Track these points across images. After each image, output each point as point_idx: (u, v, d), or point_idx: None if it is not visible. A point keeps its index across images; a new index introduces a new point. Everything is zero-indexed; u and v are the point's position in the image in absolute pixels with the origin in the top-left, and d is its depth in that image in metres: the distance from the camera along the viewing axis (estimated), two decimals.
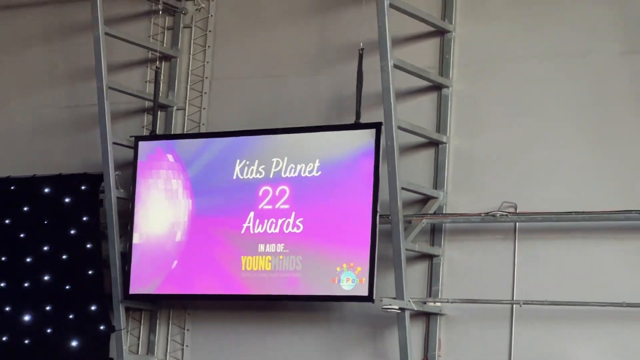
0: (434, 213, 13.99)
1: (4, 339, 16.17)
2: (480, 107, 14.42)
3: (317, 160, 14.13)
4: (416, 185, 14.06)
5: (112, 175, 15.12)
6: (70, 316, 15.62)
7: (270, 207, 14.38)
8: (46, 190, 16.12)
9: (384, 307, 13.09)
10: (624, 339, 13.04)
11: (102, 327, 15.21)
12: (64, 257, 15.80)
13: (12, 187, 16.71)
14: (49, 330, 15.83)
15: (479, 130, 14.37)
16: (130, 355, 15.84)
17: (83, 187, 15.81)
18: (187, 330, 15.92)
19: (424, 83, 14.50)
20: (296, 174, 14.22)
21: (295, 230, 14.18)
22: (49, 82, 17.99)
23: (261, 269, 14.48)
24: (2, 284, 16.58)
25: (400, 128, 13.35)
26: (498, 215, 13.26)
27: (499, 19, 14.46)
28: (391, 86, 13.23)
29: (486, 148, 14.28)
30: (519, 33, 14.14)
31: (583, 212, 12.96)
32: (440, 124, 14.35)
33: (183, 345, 16.08)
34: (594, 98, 13.82)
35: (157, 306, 16.24)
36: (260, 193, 14.41)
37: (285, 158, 14.27)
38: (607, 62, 13.64)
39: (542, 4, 14.15)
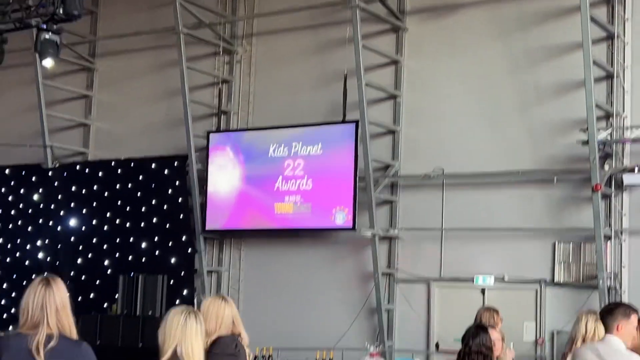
0: (392, 175, 15.91)
1: (129, 258, 18.16)
2: (420, 109, 16.08)
3: (320, 144, 16.21)
4: (382, 158, 16.03)
5: (193, 156, 17.13)
6: (170, 244, 17.53)
7: (291, 173, 16.43)
8: (153, 165, 18.15)
9: (362, 234, 15.34)
10: (513, 253, 14.92)
11: (189, 250, 17.18)
12: (165, 206, 17.61)
13: (132, 164, 18.57)
14: (157, 252, 17.59)
15: (419, 123, 16.07)
16: (207, 267, 17.48)
17: (176, 163, 17.83)
18: (242, 250, 17.71)
19: (385, 94, 16.25)
20: (307, 153, 16.29)
21: (307, 187, 16.26)
22: (161, 99, 19.04)
23: (287, 212, 16.58)
24: (129, 223, 18.11)
25: (370, 123, 15.37)
26: (432, 175, 15.23)
27: (434, 57, 16.05)
28: (364, 98, 15.10)
29: (424, 134, 15.99)
30: (444, 63, 15.74)
31: (485, 173, 14.93)
32: (395, 120, 16.18)
33: (240, 260, 17.73)
34: (490, 96, 15.48)
35: (222, 236, 18.17)
36: (285, 165, 16.67)
37: (300, 142, 16.38)
38: (497, 74, 15.21)
39: (460, 44, 15.69)
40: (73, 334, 4.81)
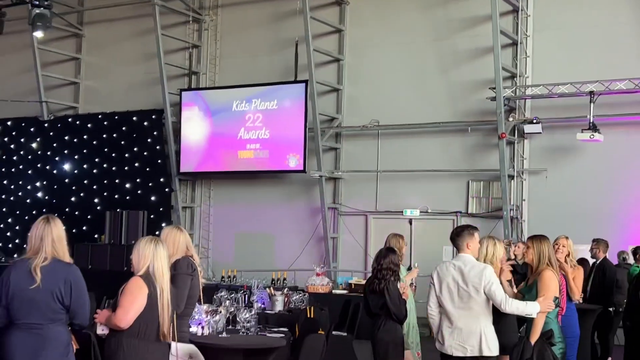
0: (336, 126, 16.12)
1: (115, 196, 18.23)
2: (359, 71, 16.28)
3: (275, 100, 16.44)
4: (327, 111, 16.14)
5: (168, 110, 17.12)
6: (150, 184, 17.65)
7: (252, 125, 16.62)
8: (134, 118, 18.11)
9: (311, 175, 15.57)
10: (435, 190, 15.23)
11: (166, 189, 17.38)
12: (145, 153, 17.69)
13: (116, 117, 18.46)
14: (139, 192, 17.82)
15: (359, 83, 16.23)
16: (182, 204, 17.68)
17: (154, 116, 17.79)
18: (212, 189, 17.90)
19: (330, 58, 16.31)
20: (265, 108, 16.47)
21: (265, 137, 16.47)
22: (140, 61, 18.89)
23: (248, 157, 16.66)
24: (114, 167, 18.29)
25: (317, 82, 15.50)
26: (369, 126, 15.41)
27: (371, 26, 16.04)
28: (312, 61, 15.23)
29: (363, 92, 16.22)
30: (379, 32, 15.75)
31: (412, 124, 15.23)
32: (339, 80, 16.36)
33: (209, 197, 17.81)
34: (416, 60, 15.62)
35: (194, 177, 18.24)
36: (246, 118, 16.84)
37: (259, 99, 16.57)
38: (422, 42, 15.25)
39: (393, 16, 15.71)
40: (66, 259, 5.16)
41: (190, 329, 7.02)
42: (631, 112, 13.70)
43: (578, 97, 13.82)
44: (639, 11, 14.10)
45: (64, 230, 5.33)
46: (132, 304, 5.18)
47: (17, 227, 19.38)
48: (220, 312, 7.57)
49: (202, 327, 7.14)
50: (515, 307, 5.79)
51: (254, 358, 6.34)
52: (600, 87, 13.54)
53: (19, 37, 17.45)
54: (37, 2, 12.98)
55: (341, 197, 16.48)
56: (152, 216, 17.32)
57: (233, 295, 9.65)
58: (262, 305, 10.12)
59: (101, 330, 5.49)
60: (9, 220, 19.77)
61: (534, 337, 5.68)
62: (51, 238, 5.18)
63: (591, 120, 13.34)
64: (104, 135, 18.65)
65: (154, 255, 5.31)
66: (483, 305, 6.36)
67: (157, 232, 16.04)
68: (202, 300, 7.12)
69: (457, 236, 6.17)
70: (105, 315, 5.35)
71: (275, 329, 8.51)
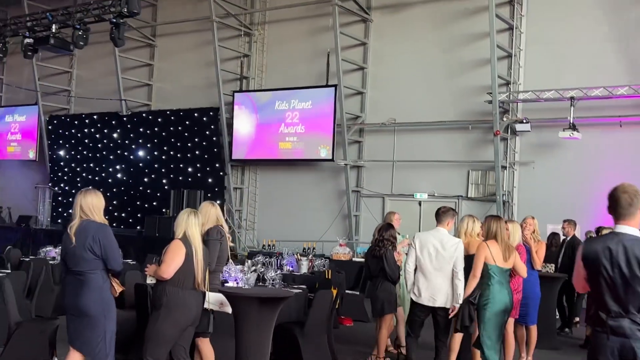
0: (360, 123, 16.46)
1: (179, 178, 18.56)
2: (380, 77, 16.38)
3: (310, 101, 16.62)
4: (353, 111, 16.32)
5: (223, 108, 17.62)
6: (207, 169, 18.25)
7: (290, 121, 16.87)
8: (195, 114, 18.37)
9: (338, 163, 15.91)
10: (441, 177, 15.46)
11: (221, 173, 17.78)
12: (204, 143, 18.25)
13: (181, 113, 18.74)
14: (198, 175, 18.30)
15: (379, 88, 16.37)
16: (233, 185, 18.20)
17: (211, 113, 18.11)
18: (257, 174, 18.24)
19: (355, 66, 16.46)
20: (301, 107, 16.68)
21: (301, 131, 16.66)
22: (201, 67, 18.83)
23: (287, 148, 16.98)
24: (179, 154, 18.57)
25: (345, 87, 15.79)
26: (387, 124, 15.70)
27: (391, 40, 16.20)
28: (340, 69, 15.50)
29: (382, 95, 16.25)
30: (398, 45, 15.95)
31: (423, 122, 15.38)
32: (363, 85, 16.59)
33: (256, 180, 18.36)
34: (428, 68, 15.60)
35: (243, 164, 18.49)
36: (286, 115, 17.06)
37: (297, 99, 16.81)
38: (433, 53, 15.42)
39: (409, 32, 15.91)
40: (97, 220, 5.64)
41: (227, 284, 7.42)
42: (605, 114, 13.74)
43: (561, 102, 13.86)
44: (616, 30, 14.04)
45: (98, 199, 5.69)
46: (172, 260, 5.70)
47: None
48: (253, 271, 8.09)
49: (237, 282, 7.51)
50: (460, 284, 6.40)
51: (267, 305, 6.40)
52: (580, 93, 13.61)
53: (103, 46, 17.66)
54: (115, 21, 13.06)
55: (363, 182, 16.68)
56: (208, 195, 17.39)
57: (267, 259, 10.08)
58: (291, 268, 10.78)
59: (150, 280, 6.06)
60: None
61: (462, 299, 6.31)
62: (79, 206, 5.60)
63: (571, 121, 13.44)
64: (171, 128, 18.84)
65: (186, 223, 5.85)
66: (451, 269, 6.93)
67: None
68: (229, 260, 7.62)
69: (444, 214, 6.66)
70: (153, 269, 5.87)
71: (296, 286, 8.82)
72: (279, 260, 10.68)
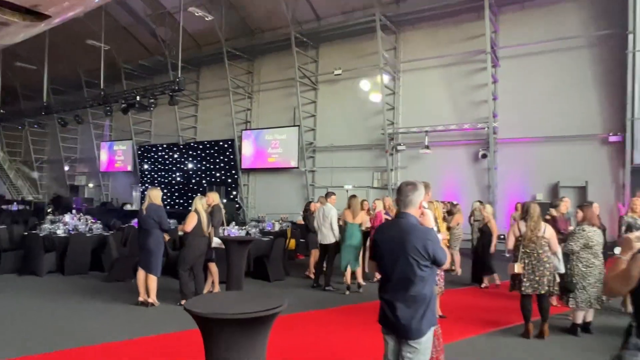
0: (313, 146, 16.16)
1: (212, 179, 18.15)
2: (323, 121, 16.24)
3: (285, 134, 16.46)
4: (309, 140, 15.87)
5: (236, 140, 17.69)
6: (228, 174, 18.16)
7: (274, 146, 16.89)
8: (221, 143, 18.24)
9: (301, 169, 15.25)
10: (357, 176, 14.94)
11: (236, 177, 17.64)
12: (225, 159, 18.23)
13: (213, 142, 18.51)
14: (222, 177, 18.02)
15: (323, 126, 16.32)
16: (243, 183, 17.76)
17: (229, 142, 18.01)
18: (256, 176, 17.65)
19: (310, 114, 16.23)
20: (280, 138, 16.77)
21: (280, 151, 16.34)
22: (223, 116, 18.51)
23: (272, 161, 16.46)
24: (211, 165, 18.22)
25: (304, 126, 15.38)
26: (328, 146, 15.46)
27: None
28: (301, 117, 14.92)
29: (324, 130, 16.15)
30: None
31: (347, 145, 15.26)
32: (314, 124, 16.58)
33: (255, 180, 17.66)
34: (354, 116, 15.35)
35: (248, 171, 17.81)
36: (271, 143, 17.04)
37: (278, 134, 16.91)
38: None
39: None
40: (157, 202, 6.00)
41: (229, 235, 7.34)
42: (446, 139, 13.85)
43: (420, 133, 14.05)
44: (450, 90, 13.90)
45: (157, 191, 6.07)
46: (190, 222, 6.05)
47: (165, 198, 19.46)
48: (243, 229, 8.59)
49: (234, 234, 7.65)
50: None
51: (242, 244, 6.53)
52: (430, 128, 13.86)
53: (167, 106, 15.93)
54: (171, 94, 13.00)
55: (315, 180, 16.57)
56: (228, 189, 17.76)
57: (258, 223, 10.71)
58: (269, 228, 10.70)
59: (180, 232, 6.65)
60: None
61: None
62: (148, 195, 6.04)
63: (426, 144, 13.86)
64: (207, 151, 18.75)
65: (197, 203, 6.19)
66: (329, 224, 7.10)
67: (230, 196, 16.88)
68: (225, 223, 7.45)
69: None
70: (182, 227, 6.29)
71: (268, 237, 8.90)
72: (263, 224, 10.96)
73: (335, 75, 15.52)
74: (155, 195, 5.96)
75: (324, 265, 7.63)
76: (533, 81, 12.88)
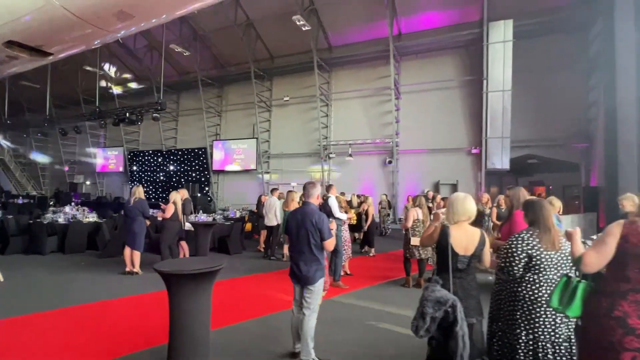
0: (268, 153, 15.74)
1: (188, 179, 17.23)
2: (276, 134, 15.58)
3: (246, 144, 15.87)
4: (264, 149, 15.56)
5: (208, 148, 16.86)
6: (201, 174, 17.31)
7: (238, 152, 16.12)
8: (196, 150, 17.27)
9: (259, 172, 14.50)
10: (300, 176, 14.42)
11: (208, 176, 17.09)
12: (200, 163, 17.31)
13: (190, 149, 17.53)
14: (197, 177, 17.33)
15: (276, 138, 15.72)
16: (213, 181, 16.94)
17: (202, 150, 17.11)
18: (225, 177, 16.86)
19: (266, 129, 15.79)
20: (243, 147, 15.98)
21: (243, 157, 15.69)
22: (199, 130, 17.73)
23: (237, 164, 15.90)
24: (188, 168, 17.25)
25: (261, 138, 14.87)
26: (279, 153, 14.66)
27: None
28: (258, 131, 14.32)
29: (277, 142, 15.52)
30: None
31: (295, 153, 15.19)
32: (269, 137, 15.97)
33: (224, 180, 16.85)
34: (300, 128, 14.89)
35: (217, 173, 16.92)
36: (236, 150, 16.40)
37: (241, 143, 16.24)
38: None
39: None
40: (142, 197, 5.59)
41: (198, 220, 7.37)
42: (363, 149, 13.94)
43: (345, 145, 14.11)
44: (366, 113, 13.97)
45: (141, 188, 5.92)
46: (169, 210, 5.98)
47: (150, 193, 18.51)
48: (210, 215, 8.60)
49: (203, 219, 7.63)
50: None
51: (206, 227, 6.48)
52: (353, 141, 13.91)
53: (152, 121, 14.59)
54: (155, 114, 12.64)
55: (271, 179, 15.98)
56: (202, 186, 16.94)
57: (223, 212, 10.42)
58: (232, 215, 10.32)
59: (160, 218, 6.20)
60: (147, 189, 18.65)
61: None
62: (135, 191, 5.89)
63: (349, 153, 13.94)
64: (185, 156, 17.86)
65: (174, 196, 6.12)
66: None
67: (203, 191, 16.24)
68: (193, 211, 7.70)
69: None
70: (161, 214, 6.06)
71: (229, 222, 8.64)
72: (228, 213, 10.54)
73: (285, 100, 15.58)
74: (140, 191, 5.91)
75: (270, 241, 7.76)
76: (423, 109, 13.38)
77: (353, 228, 8.34)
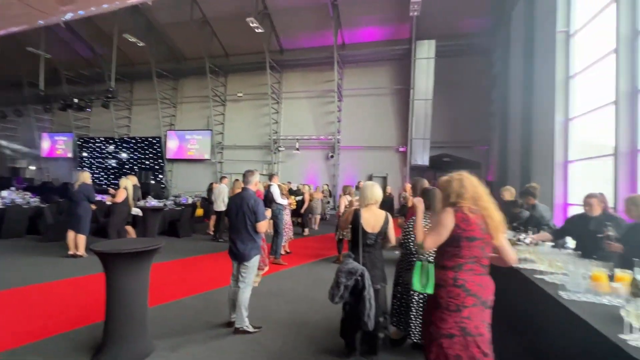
0: (221, 145, 14.90)
1: (142, 167, 15.73)
2: (229, 126, 14.85)
3: (201, 135, 15.01)
4: (218, 140, 14.78)
5: (162, 137, 15.65)
6: (155, 162, 15.81)
7: (192, 142, 15.17)
8: (150, 139, 15.92)
9: (212, 160, 13.88)
10: (251, 166, 12.55)
11: (162, 164, 15.79)
12: (154, 151, 15.87)
13: (144, 138, 15.83)
14: (151, 165, 16.04)
15: (229, 130, 14.98)
16: (168, 169, 15.77)
17: (157, 138, 15.77)
18: (179, 165, 15.72)
19: (220, 122, 14.98)
20: (197, 138, 15.09)
21: (198, 147, 14.87)
22: (154, 119, 16.33)
23: (192, 154, 15.08)
24: (144, 156, 15.78)
25: (215, 130, 14.42)
26: (232, 145, 14.25)
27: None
28: (213, 123, 13.75)
29: (230, 134, 14.86)
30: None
31: (246, 145, 14.51)
32: (222, 129, 15.14)
33: (177, 169, 15.82)
34: (254, 124, 14.44)
35: (171, 161, 15.78)
36: (191, 140, 15.29)
37: (196, 134, 15.19)
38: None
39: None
40: (87, 182, 5.23)
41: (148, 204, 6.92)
42: (309, 144, 13.81)
43: (294, 139, 13.82)
44: (312, 112, 13.74)
45: (87, 174, 5.57)
46: (121, 195, 5.61)
47: (102, 179, 16.95)
48: (161, 201, 8.17)
49: (153, 204, 7.06)
50: None
51: (155, 212, 6.34)
52: (300, 137, 13.74)
53: (103, 109, 13.96)
54: (106, 101, 11.76)
55: (223, 168, 15.18)
56: (155, 173, 15.77)
57: (175, 198, 9.83)
58: (184, 201, 9.70)
59: (109, 202, 5.76)
60: (99, 176, 17.11)
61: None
62: (80, 176, 5.57)
63: (297, 147, 13.72)
64: (139, 145, 16.36)
65: (125, 182, 5.76)
66: None
67: (155, 179, 15.08)
68: (141, 197, 7.13)
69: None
70: (111, 199, 5.67)
71: (180, 207, 8.26)
72: (179, 199, 9.98)
73: (238, 96, 15.06)
74: (86, 176, 5.56)
75: (219, 225, 7.55)
76: (361, 111, 13.52)
77: (295, 212, 8.29)
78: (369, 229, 2.58)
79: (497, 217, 1.89)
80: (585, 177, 5.57)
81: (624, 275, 2.02)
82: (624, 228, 2.68)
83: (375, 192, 2.63)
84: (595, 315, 1.73)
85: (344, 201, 5.49)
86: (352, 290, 2.38)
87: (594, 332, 1.59)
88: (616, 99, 4.46)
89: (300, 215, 8.53)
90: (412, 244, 2.64)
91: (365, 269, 2.41)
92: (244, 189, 3.09)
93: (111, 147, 17.11)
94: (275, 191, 5.37)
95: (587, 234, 2.84)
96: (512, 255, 1.94)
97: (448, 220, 1.88)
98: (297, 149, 13.92)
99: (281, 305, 3.70)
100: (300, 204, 8.21)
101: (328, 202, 11.81)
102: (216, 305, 3.58)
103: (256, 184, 3.12)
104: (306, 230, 8.48)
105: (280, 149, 14.35)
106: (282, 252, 5.78)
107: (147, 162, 16.38)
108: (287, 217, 5.74)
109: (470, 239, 1.84)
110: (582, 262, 2.37)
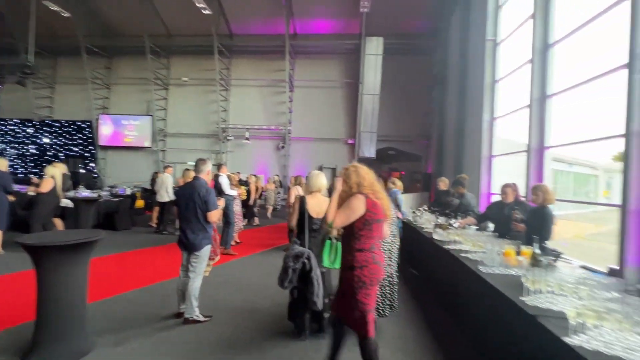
0: (164, 132, 14.11)
1: (69, 153, 14.43)
2: (173, 112, 14.13)
3: (139, 120, 14.02)
4: (160, 127, 14.06)
5: (94, 121, 14.40)
6: (87, 149, 14.68)
7: (130, 129, 14.08)
8: (80, 123, 14.60)
9: (154, 148, 13.28)
10: (199, 154, 14.44)
11: (93, 151, 14.44)
12: (86, 136, 14.72)
13: (74, 122, 14.52)
14: (82, 151, 14.63)
15: (173, 116, 14.15)
16: (101, 157, 14.63)
17: (88, 122, 14.54)
18: (113, 153, 14.58)
19: (162, 108, 14.20)
20: (136, 123, 14.08)
21: (137, 134, 13.92)
22: (85, 100, 14.90)
23: (129, 141, 14.12)
24: (73, 141, 14.53)
25: (156, 116, 13.45)
26: (176, 133, 13.60)
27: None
28: (154, 108, 12.98)
29: (173, 119, 14.13)
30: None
31: (192, 133, 13.82)
32: (165, 116, 14.38)
33: (111, 156, 14.57)
34: (205, 114, 13.88)
35: (105, 149, 14.61)
36: (128, 126, 14.27)
37: (134, 120, 14.19)
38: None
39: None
40: (4, 169, 4.95)
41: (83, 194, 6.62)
42: (260, 134, 13.43)
43: (243, 129, 13.41)
44: (263, 102, 13.54)
45: (4, 160, 5.11)
46: (47, 184, 5.29)
47: (18, 167, 15.26)
48: (94, 192, 7.68)
49: (87, 195, 6.76)
50: None
51: (88, 202, 6.13)
52: (251, 126, 13.36)
53: (20, 88, 12.97)
54: (23, 76, 10.53)
55: (166, 157, 14.35)
56: (86, 161, 14.49)
57: (111, 189, 9.38)
58: (121, 192, 9.30)
59: (32, 193, 5.46)
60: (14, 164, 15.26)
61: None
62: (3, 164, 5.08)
63: (247, 136, 13.40)
64: (65, 129, 14.86)
65: (52, 170, 5.43)
66: None
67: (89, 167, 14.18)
68: (72, 187, 6.70)
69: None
70: (35, 189, 5.42)
71: (117, 199, 7.89)
72: (117, 190, 9.43)
73: (183, 81, 14.33)
74: (2, 163, 5.13)
75: (163, 216, 7.42)
76: (312, 103, 13.57)
77: (245, 203, 8.21)
78: (314, 215, 2.71)
79: (386, 200, 2.18)
80: (505, 170, 6.19)
81: (526, 250, 2.50)
82: (528, 212, 3.12)
83: (320, 180, 2.82)
84: (505, 284, 2.18)
85: (295, 192, 5.53)
86: (300, 274, 2.49)
87: (502, 296, 2.03)
88: (530, 103, 4.93)
89: (248, 207, 8.46)
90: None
91: (311, 252, 2.53)
92: (195, 177, 3.07)
93: (29, 131, 15.32)
94: (224, 182, 5.33)
95: (503, 218, 3.29)
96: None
97: (360, 206, 2.07)
98: (247, 139, 13.68)
99: (231, 293, 3.71)
100: (248, 194, 8.22)
101: (279, 193, 11.86)
102: (163, 298, 3.52)
103: (208, 173, 3.12)
104: (256, 220, 8.59)
105: (229, 138, 13.97)
106: (232, 242, 5.79)
107: (75, 149, 14.98)
108: (237, 208, 5.76)
109: (379, 221, 2.09)
110: (497, 241, 2.85)
